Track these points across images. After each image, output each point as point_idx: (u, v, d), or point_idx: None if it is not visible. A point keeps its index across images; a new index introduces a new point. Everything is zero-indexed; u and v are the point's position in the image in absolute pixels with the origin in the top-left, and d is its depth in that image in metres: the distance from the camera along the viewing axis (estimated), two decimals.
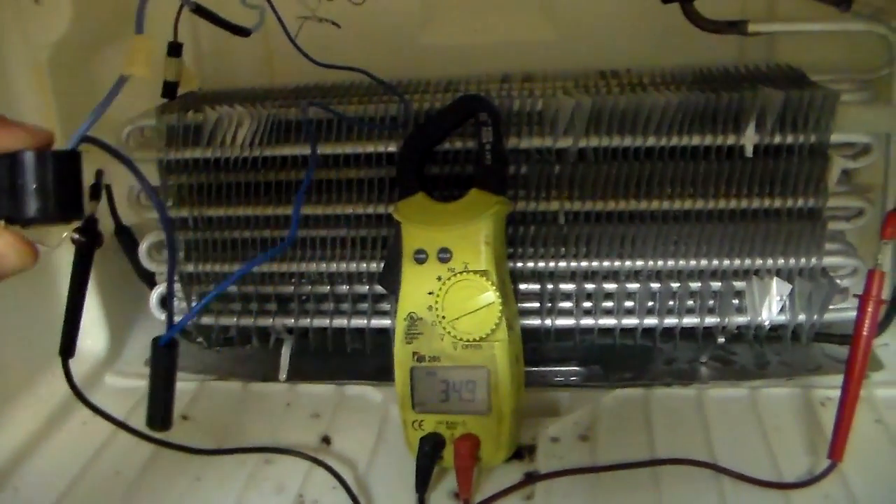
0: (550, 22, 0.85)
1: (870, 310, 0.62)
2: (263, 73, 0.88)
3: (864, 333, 0.62)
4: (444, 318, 0.64)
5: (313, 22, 0.79)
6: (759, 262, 0.72)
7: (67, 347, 0.52)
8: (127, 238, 0.83)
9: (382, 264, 0.73)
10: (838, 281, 0.73)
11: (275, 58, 0.79)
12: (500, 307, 0.63)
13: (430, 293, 0.64)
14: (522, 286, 0.75)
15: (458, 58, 0.84)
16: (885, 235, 0.61)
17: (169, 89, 0.79)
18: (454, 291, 0.63)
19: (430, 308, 0.64)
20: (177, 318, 0.78)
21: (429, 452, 0.64)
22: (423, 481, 0.63)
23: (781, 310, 0.73)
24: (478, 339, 0.64)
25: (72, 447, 0.73)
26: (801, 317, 0.73)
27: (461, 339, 0.64)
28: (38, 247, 0.38)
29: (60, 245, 0.46)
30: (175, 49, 0.79)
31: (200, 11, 0.67)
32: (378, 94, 0.75)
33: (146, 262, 0.80)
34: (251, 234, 0.76)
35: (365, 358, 0.79)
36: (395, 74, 0.74)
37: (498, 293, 0.63)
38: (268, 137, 0.74)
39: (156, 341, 0.49)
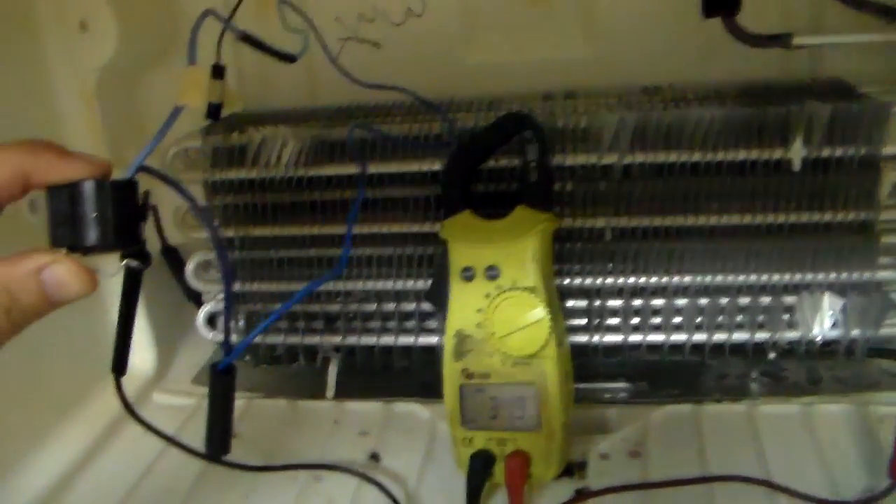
0: (591, 39, 0.85)
1: None
2: (306, 94, 0.88)
3: None
4: (493, 334, 0.63)
5: (354, 43, 0.80)
6: (809, 276, 0.71)
7: (120, 365, 0.52)
8: (173, 258, 0.84)
9: (430, 282, 0.73)
10: (893, 295, 0.71)
11: (317, 79, 0.80)
12: (550, 323, 0.62)
13: (478, 310, 0.64)
14: (570, 303, 0.74)
15: (499, 76, 0.84)
16: None
17: (213, 111, 0.80)
18: (503, 308, 0.63)
19: (478, 325, 0.64)
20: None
21: (479, 470, 0.64)
22: (474, 498, 0.63)
23: (834, 325, 0.72)
24: (527, 355, 0.63)
25: (123, 464, 0.73)
26: (855, 332, 0.72)
27: (511, 356, 0.64)
28: (97, 273, 0.39)
29: (119, 272, 0.47)
30: (218, 71, 0.80)
31: (247, 39, 0.67)
32: (421, 114, 0.75)
33: (193, 282, 0.81)
34: (297, 253, 0.77)
35: (411, 375, 0.79)
36: (437, 93, 0.74)
37: (547, 309, 0.62)
38: (312, 157, 0.74)
39: (214, 367, 0.49)
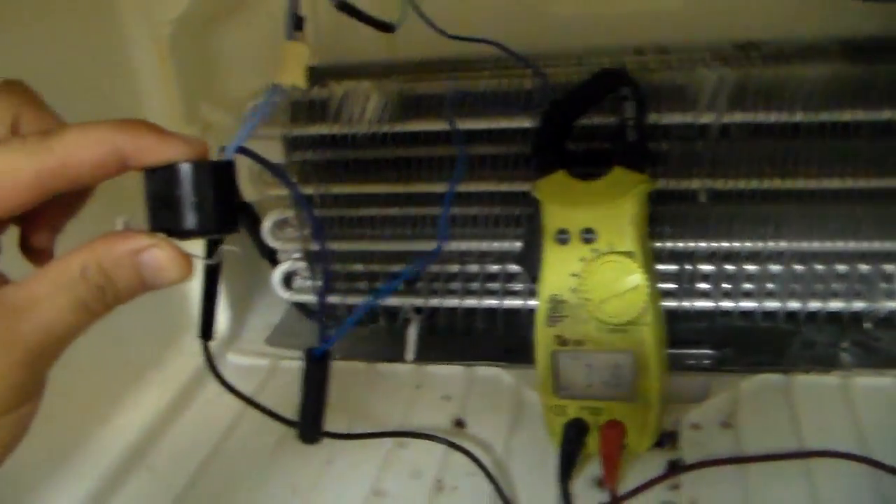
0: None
1: None
2: (384, 47, 0.85)
3: None
4: (589, 300, 0.61)
5: None
6: None
7: (207, 330, 0.51)
8: (248, 215, 0.82)
9: (520, 244, 0.71)
10: None
11: (401, 30, 0.77)
12: (648, 290, 0.60)
13: (573, 275, 0.62)
14: (661, 266, 0.72)
15: (588, 28, 0.80)
16: None
17: None
18: (599, 273, 0.61)
19: (573, 290, 0.62)
20: (302, 296, 0.79)
21: (574, 439, 0.62)
22: (568, 469, 0.61)
23: None
24: (624, 322, 0.61)
25: (201, 426, 0.72)
26: None
27: (607, 323, 0.61)
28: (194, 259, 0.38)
29: (220, 259, 0.46)
30: (297, 23, 0.78)
31: (345, 8, 0.65)
32: (509, 68, 0.72)
33: (269, 240, 0.79)
34: (378, 212, 0.75)
35: (493, 339, 0.77)
36: (524, 46, 0.71)
37: (645, 275, 0.60)
38: (397, 113, 0.72)
39: (309, 352, 0.47)
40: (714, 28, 0.78)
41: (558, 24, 0.81)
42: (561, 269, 0.63)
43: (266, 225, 0.79)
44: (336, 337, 0.49)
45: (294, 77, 0.39)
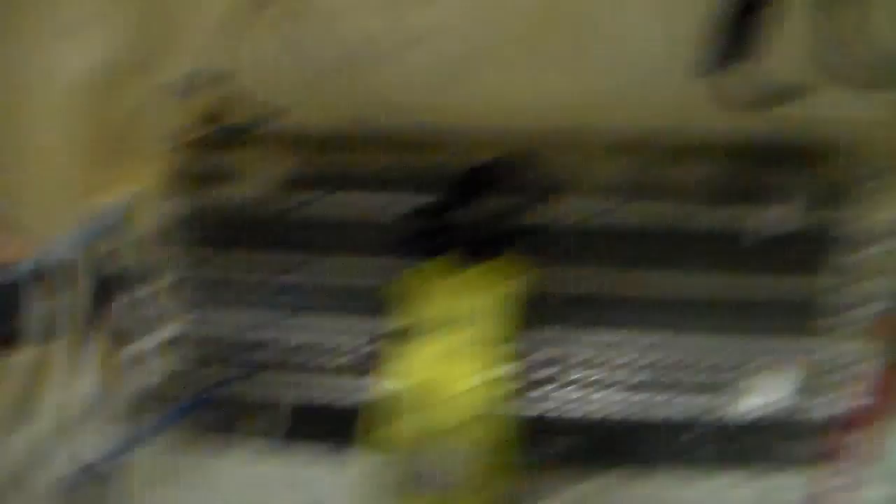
0: (595, 82, 0.81)
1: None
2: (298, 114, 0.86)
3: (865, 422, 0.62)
4: (450, 388, 0.61)
5: (348, 68, 0.77)
6: (767, 345, 0.72)
7: None
8: (139, 278, 0.80)
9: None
10: (846, 369, 0.71)
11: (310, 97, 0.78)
12: (505, 380, 0.61)
13: (439, 363, 0.62)
14: (528, 360, 0.73)
15: (497, 114, 0.80)
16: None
17: (199, 122, 0.78)
18: (463, 363, 0.62)
19: (437, 378, 0.62)
20: None
21: None
22: None
23: (785, 397, 0.72)
24: (480, 414, 0.61)
25: None
26: (805, 403, 0.73)
27: (463, 414, 0.61)
28: None
29: None
30: (204, 81, 0.78)
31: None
32: (406, 149, 0.73)
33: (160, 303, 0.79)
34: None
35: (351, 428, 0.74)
36: (425, 130, 0.72)
37: (504, 365, 0.61)
38: (292, 184, 0.73)
39: None
40: (614, 124, 0.79)
41: (464, 110, 0.81)
42: (426, 357, 0.63)
43: (155, 288, 0.78)
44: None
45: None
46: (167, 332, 0.77)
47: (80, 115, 0.77)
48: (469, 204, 0.67)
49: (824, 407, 0.72)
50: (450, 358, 0.62)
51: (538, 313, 0.71)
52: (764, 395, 0.72)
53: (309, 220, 0.73)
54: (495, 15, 0.75)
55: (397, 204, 0.71)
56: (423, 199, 0.69)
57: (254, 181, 0.73)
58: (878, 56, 0.64)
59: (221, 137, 0.77)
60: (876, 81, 0.64)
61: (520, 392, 0.71)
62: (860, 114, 0.66)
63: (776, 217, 0.68)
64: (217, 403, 0.79)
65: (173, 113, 0.77)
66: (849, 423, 0.64)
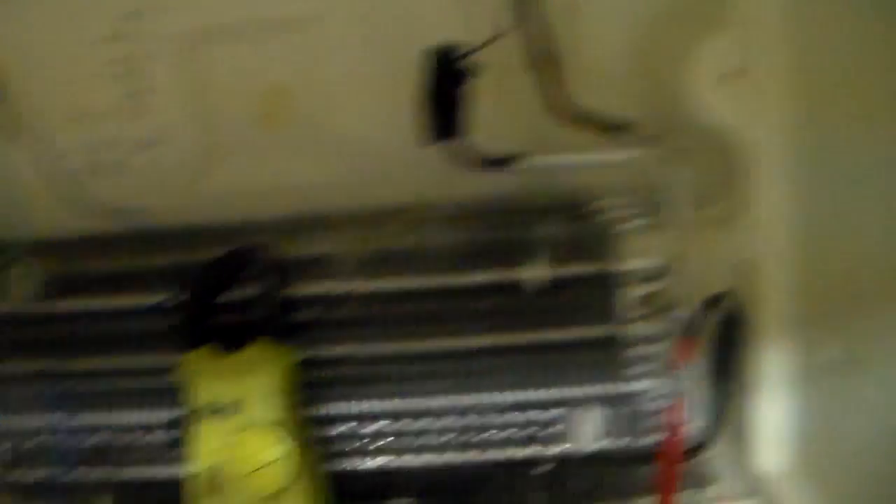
0: (327, 162, 0.82)
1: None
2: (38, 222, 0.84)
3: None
4: (240, 472, 0.62)
5: (93, 170, 0.77)
6: (566, 391, 0.73)
7: None
8: None
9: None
10: (649, 403, 0.74)
11: (50, 207, 0.77)
12: (296, 456, 0.62)
13: (225, 446, 0.63)
14: (331, 429, 0.73)
15: (239, 202, 0.80)
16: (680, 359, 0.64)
17: None
18: (246, 445, 0.62)
19: (227, 462, 0.63)
20: None
21: None
22: None
23: (598, 436, 0.74)
24: (276, 491, 0.62)
25: None
26: (618, 441, 0.74)
27: (259, 493, 0.62)
28: None
29: None
30: None
31: None
32: (155, 244, 0.74)
33: None
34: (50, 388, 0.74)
35: None
36: (175, 221, 0.73)
37: (293, 442, 0.62)
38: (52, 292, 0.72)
39: None
40: (365, 196, 0.81)
41: (212, 201, 0.81)
42: (213, 442, 0.63)
43: None
44: None
45: None
46: None
47: None
48: (216, 295, 0.67)
49: (643, 440, 0.74)
50: (234, 440, 0.62)
51: (322, 387, 0.72)
52: (579, 436, 0.74)
53: (73, 323, 0.72)
54: (222, 117, 0.78)
55: (150, 300, 0.71)
56: (174, 295, 0.69)
57: (12, 292, 0.71)
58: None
59: None
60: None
61: (339, 455, 0.73)
62: (605, 161, 0.70)
63: (533, 272, 0.71)
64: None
65: None
66: (664, 453, 0.67)
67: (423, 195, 0.78)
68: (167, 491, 0.74)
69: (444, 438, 0.75)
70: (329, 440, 0.73)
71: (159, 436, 0.74)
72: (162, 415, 0.73)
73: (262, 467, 0.62)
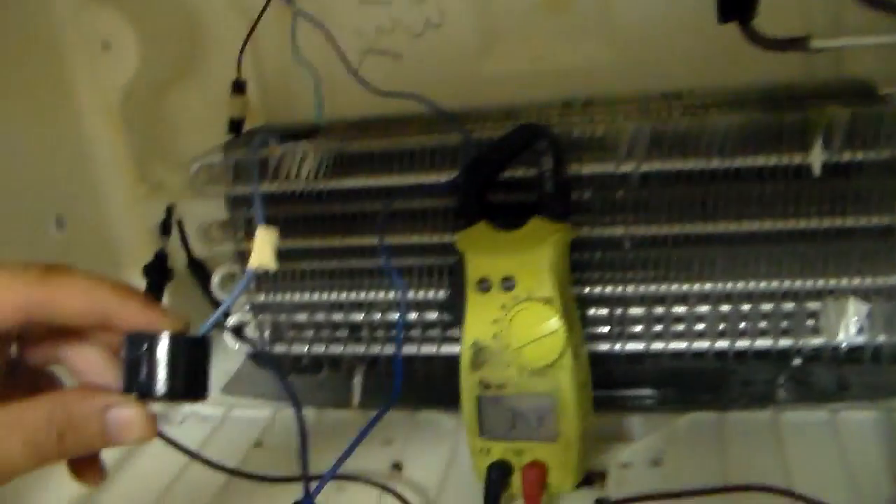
0: (610, 45, 0.84)
1: None
2: (326, 106, 0.89)
3: None
4: (509, 346, 0.64)
5: (373, 54, 0.80)
6: (833, 282, 0.71)
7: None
8: (199, 271, 0.85)
9: (447, 293, 0.74)
10: None
11: (336, 91, 0.80)
12: (565, 334, 0.63)
13: (494, 321, 0.64)
14: (592, 311, 0.74)
15: (518, 85, 0.83)
16: None
17: (234, 126, 0.81)
18: (518, 319, 0.63)
19: (494, 336, 0.65)
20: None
21: (496, 480, 0.64)
22: None
23: (859, 331, 0.71)
24: (543, 366, 0.63)
25: (148, 477, 0.74)
26: (881, 337, 0.71)
27: (527, 367, 0.64)
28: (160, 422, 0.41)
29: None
30: (239, 87, 0.82)
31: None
32: (438, 125, 0.75)
33: (219, 294, 0.82)
34: (318, 265, 0.78)
35: (436, 384, 0.78)
36: (456, 104, 0.74)
37: (562, 320, 0.63)
38: (331, 170, 0.75)
39: None
40: (643, 79, 0.82)
41: (491, 83, 0.84)
42: (482, 316, 0.65)
43: (215, 279, 0.82)
44: (318, 490, 0.49)
45: (264, 259, 0.42)
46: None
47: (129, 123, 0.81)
48: (495, 173, 0.68)
49: None
50: (506, 316, 0.63)
51: (595, 265, 0.73)
52: (839, 329, 0.71)
53: (352, 201, 0.76)
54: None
55: (428, 178, 0.73)
56: (452, 174, 0.71)
57: (298, 171, 0.75)
58: None
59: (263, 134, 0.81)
60: None
61: (593, 338, 0.74)
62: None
63: (816, 157, 0.67)
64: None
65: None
66: None
67: (706, 78, 0.77)
68: (432, 367, 0.79)
69: (698, 326, 0.74)
70: (587, 322, 0.74)
71: (430, 314, 0.78)
72: (433, 293, 0.76)
73: (531, 343, 0.63)
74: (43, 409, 0.38)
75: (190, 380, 0.41)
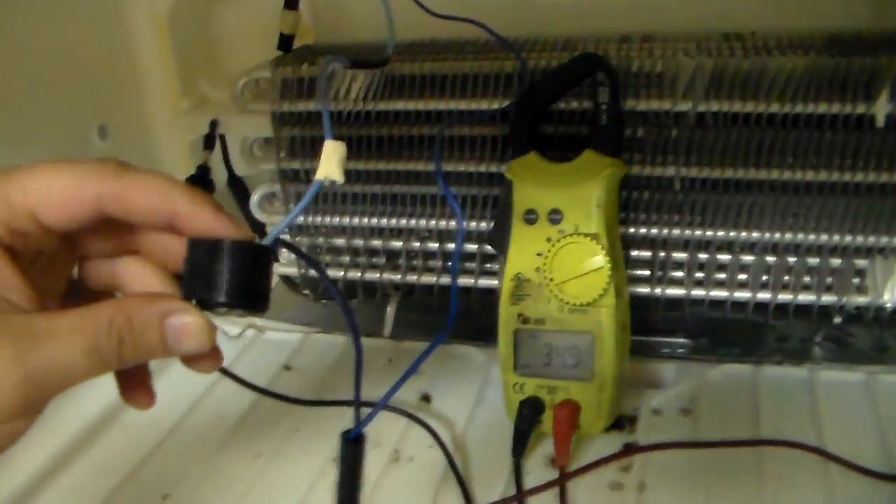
0: None
1: None
2: (377, 27, 0.87)
3: None
4: (551, 280, 0.62)
5: None
6: (884, 239, 0.69)
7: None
8: (239, 188, 0.84)
9: (492, 223, 0.72)
10: None
11: (392, 11, 0.78)
12: (609, 272, 0.61)
13: (538, 254, 0.63)
14: (633, 252, 0.72)
15: (577, 16, 0.81)
16: None
17: (284, 42, 0.80)
18: (563, 254, 0.62)
19: (537, 269, 0.63)
20: (288, 269, 0.81)
21: (528, 416, 0.63)
22: (521, 445, 0.63)
23: None
24: (585, 303, 0.62)
25: (179, 390, 0.74)
26: None
27: (568, 303, 0.63)
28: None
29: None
30: (292, 2, 0.80)
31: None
32: (493, 51, 0.73)
33: (257, 213, 0.81)
34: (361, 189, 0.77)
35: (469, 317, 0.77)
36: (512, 31, 0.72)
37: (608, 258, 0.61)
38: (381, 92, 0.73)
39: (345, 436, 0.47)
40: (703, 18, 0.79)
41: (549, 11, 0.82)
42: (526, 249, 0.64)
43: (254, 198, 0.81)
44: (369, 419, 0.49)
45: (331, 171, 0.40)
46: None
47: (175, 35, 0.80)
48: (549, 103, 0.66)
49: None
50: (551, 249, 0.62)
51: (642, 205, 0.71)
52: (892, 288, 0.69)
53: (403, 125, 0.74)
54: None
55: (481, 105, 0.71)
56: (503, 102, 0.69)
57: (343, 92, 0.73)
58: None
59: (307, 52, 0.79)
60: None
61: (633, 281, 0.72)
62: None
63: (881, 107, 0.65)
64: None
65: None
66: None
67: (770, 20, 0.75)
68: (468, 300, 0.78)
69: (741, 276, 0.73)
70: (628, 264, 0.72)
71: (469, 245, 0.76)
72: (474, 223, 0.75)
73: (574, 278, 0.62)
74: (105, 313, 0.37)
75: (252, 289, 0.39)
